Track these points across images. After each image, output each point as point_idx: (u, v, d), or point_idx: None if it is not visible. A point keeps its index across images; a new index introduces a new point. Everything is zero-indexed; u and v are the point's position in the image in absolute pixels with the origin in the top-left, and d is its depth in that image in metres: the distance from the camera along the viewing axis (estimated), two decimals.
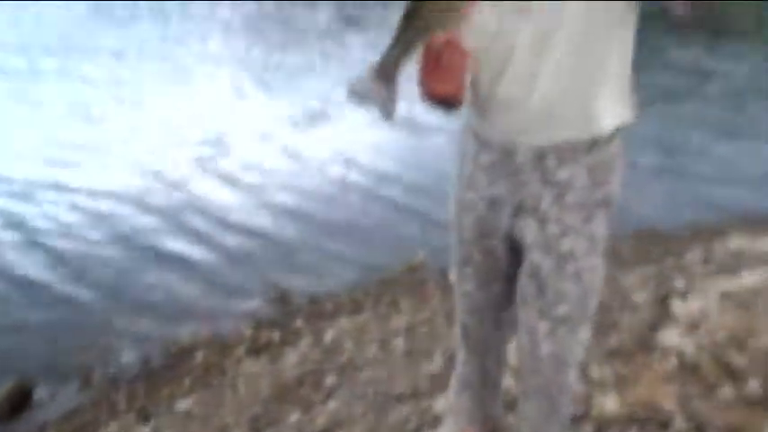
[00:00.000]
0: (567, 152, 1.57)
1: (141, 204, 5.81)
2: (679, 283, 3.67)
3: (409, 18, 1.25)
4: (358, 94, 1.29)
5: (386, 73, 1.28)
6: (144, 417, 3.34)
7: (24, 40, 11.81)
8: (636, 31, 1.53)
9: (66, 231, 5.42)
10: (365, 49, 11.15)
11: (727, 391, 2.52)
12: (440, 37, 1.27)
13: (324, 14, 14.90)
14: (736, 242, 4.37)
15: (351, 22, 13.93)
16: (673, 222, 5.03)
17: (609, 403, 2.56)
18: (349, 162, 6.74)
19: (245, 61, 10.79)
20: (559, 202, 1.61)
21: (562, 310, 1.64)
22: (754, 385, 2.52)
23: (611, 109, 1.56)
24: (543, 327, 1.65)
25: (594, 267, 1.66)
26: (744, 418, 2.38)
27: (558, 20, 1.46)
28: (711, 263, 4.11)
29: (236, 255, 5.10)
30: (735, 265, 3.95)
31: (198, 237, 5.38)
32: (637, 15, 1.52)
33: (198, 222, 5.58)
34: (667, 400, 2.55)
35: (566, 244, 1.62)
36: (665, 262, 4.20)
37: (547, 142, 1.57)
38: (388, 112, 1.31)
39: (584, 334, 1.70)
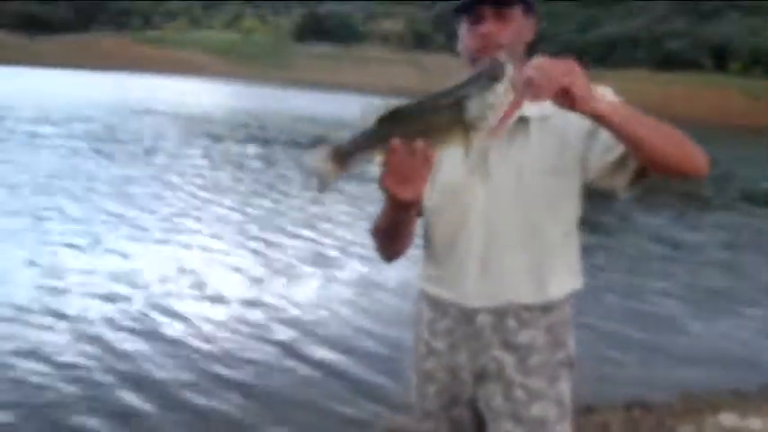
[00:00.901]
0: (525, 314, 1.62)
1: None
2: None
3: (381, 121, 1.31)
4: (306, 164, 1.36)
5: (338, 155, 1.35)
6: None
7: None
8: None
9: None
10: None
11: None
12: (405, 144, 1.30)
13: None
14: (728, 419, 4.24)
15: None
16: (662, 392, 4.90)
17: None
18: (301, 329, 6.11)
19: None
20: (523, 365, 1.62)
21: (536, 410, 1.60)
22: None
23: (560, 277, 1.64)
24: None
25: None
26: None
27: (511, 190, 1.56)
28: None
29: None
30: None
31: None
32: (581, 195, 1.64)
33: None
34: None
35: (536, 410, 1.61)
36: None
37: (506, 304, 1.60)
38: (323, 186, 1.37)
39: None
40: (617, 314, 6.68)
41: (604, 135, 1.45)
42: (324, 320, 6.20)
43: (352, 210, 10.55)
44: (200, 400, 4.62)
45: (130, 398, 4.53)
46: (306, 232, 9.24)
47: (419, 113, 1.31)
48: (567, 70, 1.26)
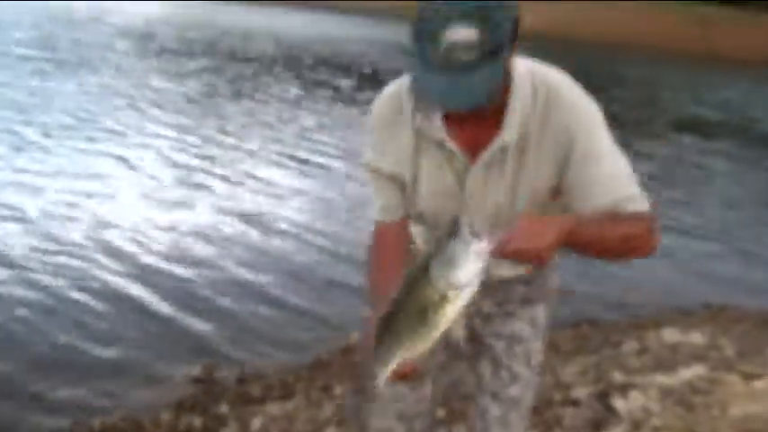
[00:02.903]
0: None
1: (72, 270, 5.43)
2: (617, 378, 3.63)
3: (384, 332, 1.40)
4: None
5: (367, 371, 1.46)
6: None
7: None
8: None
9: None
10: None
11: None
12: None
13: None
14: (671, 335, 4.39)
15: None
16: (610, 312, 5.04)
17: None
18: (279, 231, 6.57)
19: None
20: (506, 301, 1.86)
21: (514, 391, 1.86)
22: None
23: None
24: (495, 410, 1.86)
25: (539, 351, 1.91)
26: None
27: (486, 220, 1.58)
28: (647, 355, 4.10)
29: (158, 331, 4.78)
30: (670, 359, 3.95)
31: (120, 306, 5.04)
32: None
33: (120, 295, 5.24)
34: None
35: (514, 327, 1.87)
36: (603, 352, 4.17)
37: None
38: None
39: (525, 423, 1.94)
40: None
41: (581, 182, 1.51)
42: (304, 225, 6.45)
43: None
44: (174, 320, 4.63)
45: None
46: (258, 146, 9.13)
47: (400, 309, 1.34)
48: (542, 246, 1.27)
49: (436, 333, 1.33)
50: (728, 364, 3.74)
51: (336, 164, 8.96)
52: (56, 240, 5.88)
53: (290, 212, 7.13)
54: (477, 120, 1.45)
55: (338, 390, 3.80)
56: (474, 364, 1.91)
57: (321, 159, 9.12)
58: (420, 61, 1.31)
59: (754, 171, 11.62)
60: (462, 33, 1.25)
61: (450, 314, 1.28)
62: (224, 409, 3.77)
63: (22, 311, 4.75)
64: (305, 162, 8.99)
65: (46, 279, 5.22)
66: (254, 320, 4.99)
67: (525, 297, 1.85)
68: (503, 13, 1.29)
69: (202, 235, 6.33)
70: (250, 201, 7.42)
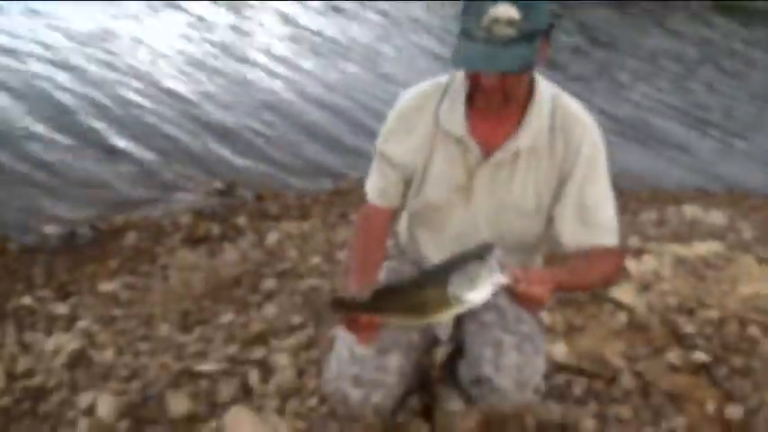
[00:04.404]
0: None
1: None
2: (633, 242, 3.64)
3: (375, 296, 1.46)
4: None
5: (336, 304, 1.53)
6: (63, 294, 3.09)
7: None
8: None
9: None
10: None
11: (674, 356, 2.49)
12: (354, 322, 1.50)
13: None
14: (690, 211, 4.36)
15: None
16: (633, 185, 4.99)
17: (557, 351, 2.49)
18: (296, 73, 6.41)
19: None
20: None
21: (525, 328, 1.75)
22: (699, 354, 2.50)
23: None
24: (509, 339, 1.72)
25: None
26: (689, 384, 2.36)
27: (489, 219, 1.69)
28: (665, 227, 4.09)
29: (182, 146, 4.78)
30: (688, 233, 3.94)
31: (143, 125, 5.02)
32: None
33: (146, 111, 5.21)
34: (615, 356, 2.51)
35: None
36: (620, 219, 4.15)
37: None
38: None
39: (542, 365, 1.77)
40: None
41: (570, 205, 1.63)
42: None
43: None
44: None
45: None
46: None
47: (406, 291, 1.43)
48: (541, 297, 1.36)
49: (421, 324, 1.49)
50: (745, 245, 3.73)
51: None
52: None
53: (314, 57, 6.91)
54: (498, 117, 1.58)
55: (354, 217, 3.82)
56: (470, 324, 1.81)
57: None
58: (464, 33, 1.45)
59: None
60: (506, 11, 1.39)
61: (446, 317, 1.41)
62: (242, 221, 3.83)
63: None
64: None
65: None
66: (277, 147, 4.98)
67: None
68: (543, 3, 1.44)
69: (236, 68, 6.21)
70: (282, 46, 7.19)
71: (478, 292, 1.33)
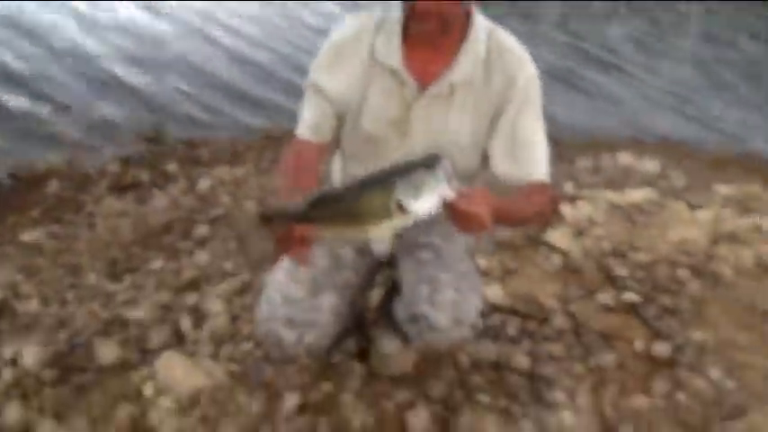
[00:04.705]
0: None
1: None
2: (568, 189, 3.68)
3: (310, 204, 1.32)
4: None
5: (263, 218, 1.38)
6: None
7: None
8: None
9: None
10: None
11: (606, 297, 2.55)
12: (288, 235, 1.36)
13: None
14: (624, 159, 4.44)
15: None
16: (569, 132, 5.04)
17: (492, 293, 2.51)
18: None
19: None
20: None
21: (461, 266, 1.73)
22: (630, 295, 2.56)
23: None
24: (446, 277, 1.68)
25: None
26: (619, 324, 2.42)
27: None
28: (600, 174, 4.16)
29: (110, 91, 4.55)
30: (621, 180, 4.01)
31: (81, 65, 4.75)
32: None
33: (84, 54, 4.92)
34: (549, 297, 2.55)
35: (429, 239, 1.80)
36: (557, 166, 4.19)
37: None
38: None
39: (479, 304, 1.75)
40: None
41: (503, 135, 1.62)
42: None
43: None
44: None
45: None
46: None
47: (345, 198, 1.31)
48: (482, 217, 1.33)
49: (361, 236, 1.35)
50: (676, 193, 3.82)
51: None
52: None
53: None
54: (434, 50, 1.57)
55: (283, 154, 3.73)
56: (406, 262, 1.78)
57: None
58: None
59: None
60: None
61: (385, 230, 1.31)
62: (172, 167, 3.70)
63: None
64: None
65: None
66: (206, 96, 4.79)
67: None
68: None
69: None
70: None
71: (423, 201, 1.26)
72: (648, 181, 4.01)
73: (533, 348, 2.23)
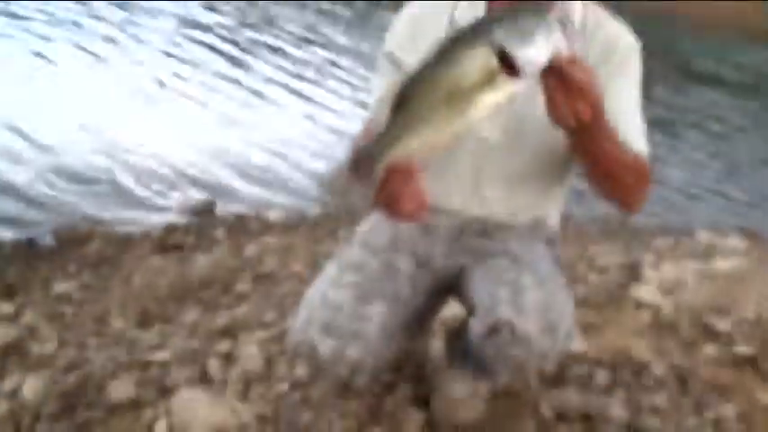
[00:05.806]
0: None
1: None
2: (649, 258, 3.31)
3: (399, 108, 1.07)
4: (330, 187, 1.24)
5: (361, 168, 1.13)
6: (8, 292, 2.72)
7: None
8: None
9: None
10: None
11: (712, 349, 2.13)
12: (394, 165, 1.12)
13: None
14: (706, 237, 4.05)
15: None
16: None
17: (573, 346, 2.13)
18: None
19: None
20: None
21: (544, 266, 1.48)
22: (743, 348, 2.14)
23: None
24: (528, 278, 1.41)
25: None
26: (734, 376, 1.99)
27: (506, 139, 1.45)
28: (681, 250, 3.77)
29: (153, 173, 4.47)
30: (706, 253, 3.62)
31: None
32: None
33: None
34: (643, 350, 2.15)
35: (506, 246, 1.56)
36: (633, 244, 3.84)
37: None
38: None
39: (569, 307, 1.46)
40: None
41: None
42: None
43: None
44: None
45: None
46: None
47: (433, 77, 1.03)
48: (591, 95, 1.08)
49: (463, 122, 1.05)
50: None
51: None
52: None
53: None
54: None
55: (344, 232, 3.50)
56: (476, 272, 1.52)
57: None
58: None
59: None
60: None
61: (490, 102, 1.02)
62: (219, 233, 3.50)
63: None
64: None
65: None
66: (258, 170, 4.67)
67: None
68: None
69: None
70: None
71: (538, 47, 0.98)
72: (737, 252, 3.60)
73: (630, 399, 1.83)
